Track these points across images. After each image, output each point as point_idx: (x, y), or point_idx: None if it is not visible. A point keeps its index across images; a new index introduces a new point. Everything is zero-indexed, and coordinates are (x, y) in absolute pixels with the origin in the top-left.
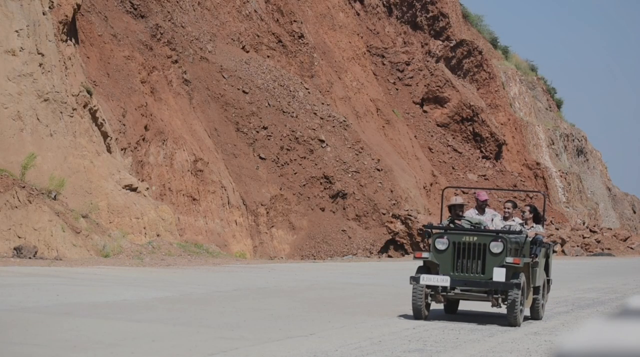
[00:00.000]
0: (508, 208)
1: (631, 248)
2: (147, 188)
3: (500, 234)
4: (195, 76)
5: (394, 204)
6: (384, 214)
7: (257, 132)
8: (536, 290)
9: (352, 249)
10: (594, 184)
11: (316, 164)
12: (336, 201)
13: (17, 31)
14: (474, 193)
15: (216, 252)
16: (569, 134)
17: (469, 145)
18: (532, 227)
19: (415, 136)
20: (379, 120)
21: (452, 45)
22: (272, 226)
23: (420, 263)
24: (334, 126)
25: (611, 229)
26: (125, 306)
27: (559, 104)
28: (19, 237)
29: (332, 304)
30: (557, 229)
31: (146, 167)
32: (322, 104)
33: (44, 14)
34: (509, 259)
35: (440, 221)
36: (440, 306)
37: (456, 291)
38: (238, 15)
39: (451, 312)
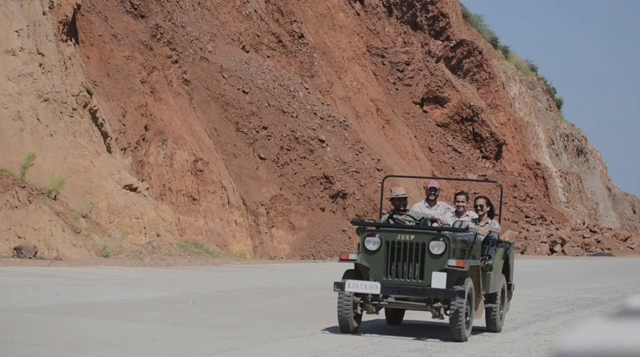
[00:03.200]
0: (461, 201)
1: (631, 248)
2: (147, 188)
3: (442, 232)
4: (195, 76)
5: None
6: (384, 214)
7: (257, 132)
8: (491, 298)
9: (352, 249)
10: (594, 184)
11: (316, 164)
12: (336, 200)
13: (17, 31)
14: (426, 184)
15: (216, 252)
16: (569, 134)
17: (469, 145)
18: (487, 223)
19: (415, 136)
20: (379, 120)
21: (452, 45)
22: (272, 226)
23: (350, 266)
24: (334, 126)
25: (611, 229)
26: (125, 306)
27: (559, 104)
28: (19, 237)
29: (332, 304)
30: (557, 229)
31: (146, 167)
32: (322, 104)
33: (44, 14)
34: (452, 262)
35: (380, 216)
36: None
37: (390, 299)
38: (238, 15)
39: (395, 323)
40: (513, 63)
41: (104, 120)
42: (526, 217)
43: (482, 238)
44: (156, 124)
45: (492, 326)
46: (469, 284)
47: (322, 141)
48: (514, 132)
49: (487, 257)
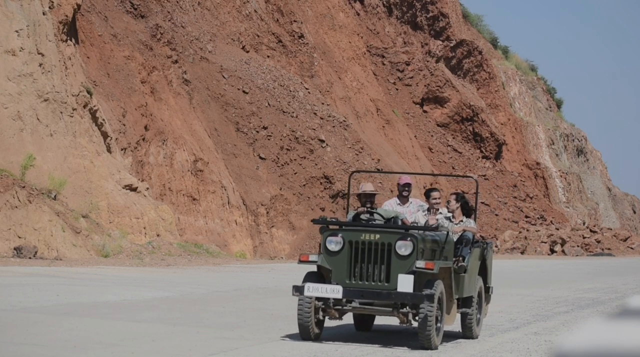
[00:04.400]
0: (436, 198)
1: (631, 248)
2: (147, 188)
3: (410, 231)
4: (195, 76)
5: None
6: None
7: (257, 132)
8: (466, 302)
9: None
10: (594, 184)
11: (316, 164)
12: (336, 201)
13: (17, 31)
14: (398, 179)
15: (216, 252)
16: (569, 134)
17: (469, 145)
18: (461, 221)
19: (415, 136)
20: (379, 120)
21: (452, 45)
22: (272, 226)
23: (312, 268)
24: (334, 126)
25: (611, 229)
26: (125, 306)
27: (559, 104)
28: (19, 237)
29: None
30: (557, 229)
31: (146, 167)
32: (322, 104)
33: (44, 14)
34: (420, 263)
35: (346, 214)
36: None
37: (353, 304)
38: (238, 15)
39: (364, 330)
40: (513, 63)
41: (104, 120)
42: (526, 217)
43: (456, 238)
44: (156, 124)
45: (467, 332)
46: (439, 287)
47: (322, 141)
48: (514, 132)
49: (461, 258)
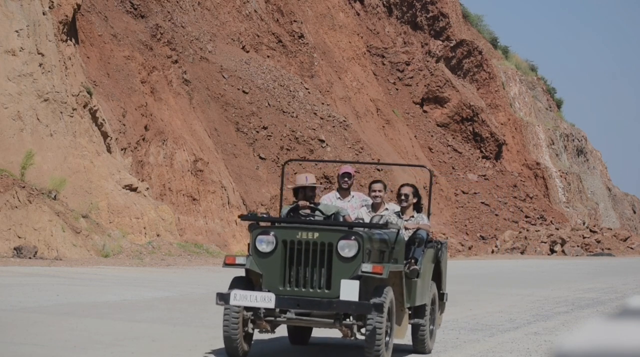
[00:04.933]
0: (376, 191)
1: (631, 248)
2: (147, 188)
3: (354, 229)
4: (195, 76)
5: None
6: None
7: (257, 132)
8: (418, 311)
9: None
10: (594, 184)
11: (316, 164)
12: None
13: (17, 31)
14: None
15: (216, 252)
16: (569, 134)
17: (469, 145)
18: (412, 217)
19: (415, 136)
20: (379, 120)
21: (452, 45)
22: None
23: (240, 272)
24: (334, 126)
25: (611, 229)
26: (125, 306)
27: (559, 104)
28: (19, 237)
29: None
30: (557, 229)
31: (146, 167)
32: (322, 104)
33: (44, 14)
34: (367, 267)
35: (280, 209)
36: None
37: (288, 315)
38: (238, 15)
39: (300, 343)
40: (513, 63)
41: (104, 120)
42: (526, 217)
43: (407, 237)
44: (156, 124)
45: (420, 346)
46: (389, 295)
47: (322, 141)
48: (514, 132)
49: (413, 261)
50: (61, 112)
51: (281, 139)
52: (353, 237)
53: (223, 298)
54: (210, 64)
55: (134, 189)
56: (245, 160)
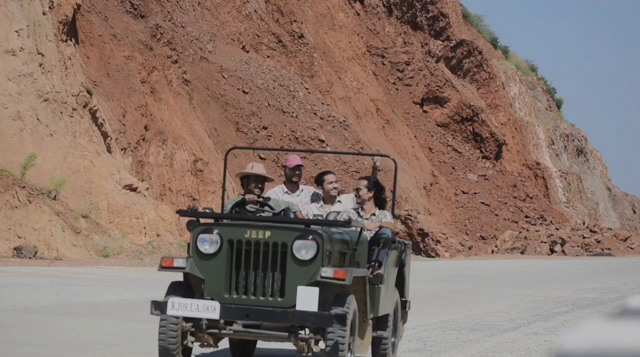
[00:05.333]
0: (332, 182)
1: (631, 248)
2: (147, 188)
3: (311, 227)
4: (195, 76)
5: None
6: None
7: (257, 132)
8: (381, 322)
9: None
10: (594, 184)
11: (316, 164)
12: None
13: (17, 31)
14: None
15: None
16: (569, 134)
17: (469, 145)
18: (373, 215)
19: (415, 136)
20: (379, 120)
21: (452, 45)
22: None
23: (178, 277)
24: (334, 126)
25: (611, 229)
26: (125, 306)
27: (559, 104)
28: (19, 237)
29: None
30: (557, 229)
31: (146, 167)
32: (322, 104)
33: (44, 14)
34: (327, 271)
35: (222, 204)
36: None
37: (235, 327)
38: (238, 15)
39: None
40: (513, 63)
41: (104, 120)
42: (526, 217)
43: (370, 237)
44: (156, 124)
45: None
46: (352, 304)
47: (322, 141)
48: (514, 132)
49: (377, 264)
50: (61, 112)
51: (281, 139)
52: (311, 237)
53: (159, 307)
54: (210, 64)
55: (134, 189)
56: (245, 161)
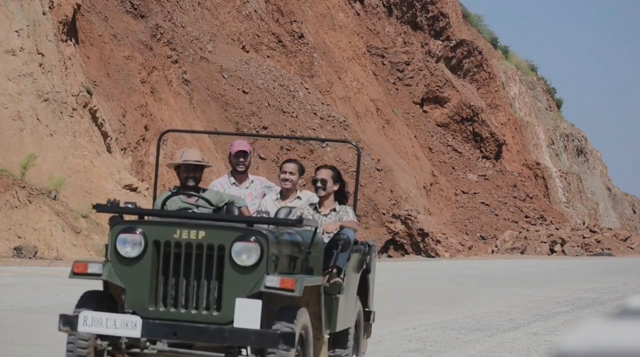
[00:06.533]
0: (286, 172)
1: (631, 248)
2: (147, 188)
3: (255, 226)
4: (195, 76)
5: (394, 204)
6: (384, 214)
7: (257, 132)
8: (339, 338)
9: None
10: (594, 184)
11: (316, 164)
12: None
13: (17, 31)
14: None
15: None
16: (569, 134)
17: (469, 145)
18: (334, 210)
19: (415, 136)
20: (379, 120)
21: (452, 45)
22: None
23: (96, 284)
24: (334, 126)
25: (611, 229)
26: None
27: (559, 104)
28: (19, 237)
29: None
30: (557, 229)
31: (146, 167)
32: (322, 104)
33: (44, 14)
34: (272, 280)
35: (154, 199)
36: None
37: (160, 346)
38: (238, 15)
39: None
40: (513, 63)
41: (104, 120)
42: (526, 217)
43: (328, 238)
44: (156, 124)
45: None
46: (301, 319)
47: (323, 141)
48: (514, 132)
49: (335, 271)
50: (61, 112)
51: (281, 139)
52: (253, 238)
53: (68, 322)
54: (210, 64)
55: (134, 189)
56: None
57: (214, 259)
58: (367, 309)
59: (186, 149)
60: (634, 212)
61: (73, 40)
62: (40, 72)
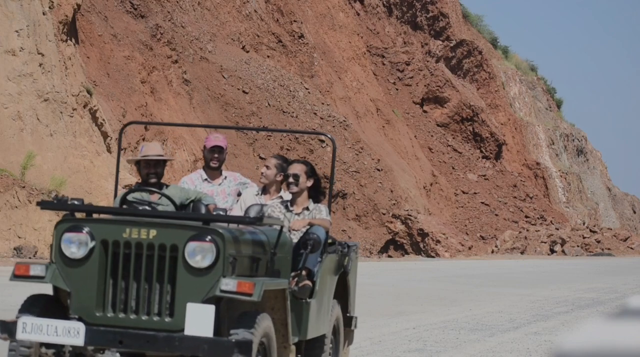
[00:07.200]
0: (265, 168)
1: (631, 248)
2: None
3: (212, 225)
4: (195, 76)
5: (394, 204)
6: (384, 214)
7: (257, 132)
8: (314, 346)
9: None
10: (594, 184)
11: (316, 164)
12: (336, 200)
13: (17, 31)
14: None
15: None
16: (569, 134)
17: (469, 145)
18: (306, 209)
19: (415, 136)
20: (379, 120)
21: (452, 45)
22: None
23: (41, 288)
24: (334, 126)
25: (611, 229)
26: None
27: (559, 104)
28: (19, 237)
29: None
30: (557, 229)
31: None
32: (322, 104)
33: (44, 14)
34: (228, 283)
35: (115, 195)
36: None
37: (108, 355)
38: (238, 15)
39: None
40: (513, 63)
41: (104, 120)
42: (526, 217)
43: (297, 238)
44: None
45: None
46: (262, 325)
47: (322, 141)
48: (514, 132)
49: (304, 273)
50: (61, 112)
51: (281, 139)
52: (208, 238)
53: (6, 329)
54: (210, 64)
55: None
56: (245, 161)
57: (166, 260)
58: (348, 315)
59: (145, 142)
60: (634, 212)
61: (73, 40)
62: (40, 72)
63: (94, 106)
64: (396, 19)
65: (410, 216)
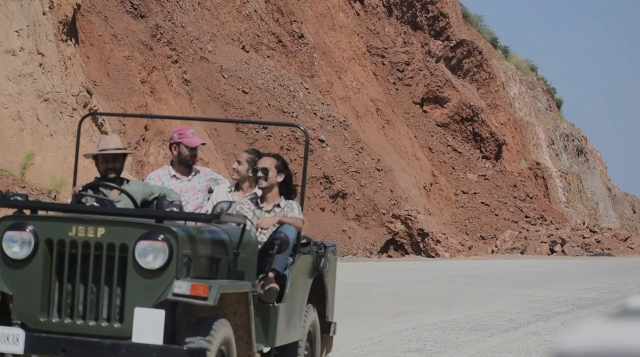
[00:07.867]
0: (237, 163)
1: (631, 248)
2: None
3: (165, 222)
4: (195, 76)
5: (394, 204)
6: (384, 214)
7: (257, 132)
8: (285, 354)
9: (352, 249)
10: (594, 184)
11: (316, 164)
12: (336, 200)
13: (17, 31)
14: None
15: None
16: (569, 134)
17: (469, 145)
18: (277, 206)
19: (415, 136)
20: (379, 120)
21: (452, 45)
22: None
23: None
24: (334, 126)
25: (611, 229)
26: None
27: (559, 104)
28: None
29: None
30: (557, 229)
31: (146, 167)
32: (322, 104)
33: (44, 14)
34: (181, 286)
35: (73, 192)
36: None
37: None
38: (238, 15)
39: None
40: (513, 63)
41: (104, 120)
42: (526, 217)
43: (264, 238)
44: (156, 124)
45: None
46: (220, 332)
47: (322, 141)
48: (514, 132)
49: (271, 275)
50: (61, 112)
51: (281, 139)
52: (161, 237)
53: None
54: (210, 64)
55: None
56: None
57: (115, 261)
58: (326, 320)
59: (103, 136)
60: (634, 212)
61: (73, 40)
62: (40, 72)
63: (94, 106)
64: (396, 19)
65: (410, 216)
